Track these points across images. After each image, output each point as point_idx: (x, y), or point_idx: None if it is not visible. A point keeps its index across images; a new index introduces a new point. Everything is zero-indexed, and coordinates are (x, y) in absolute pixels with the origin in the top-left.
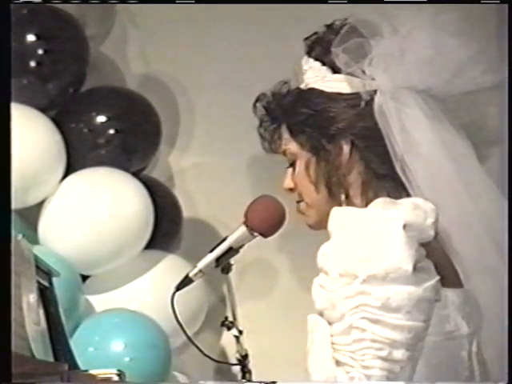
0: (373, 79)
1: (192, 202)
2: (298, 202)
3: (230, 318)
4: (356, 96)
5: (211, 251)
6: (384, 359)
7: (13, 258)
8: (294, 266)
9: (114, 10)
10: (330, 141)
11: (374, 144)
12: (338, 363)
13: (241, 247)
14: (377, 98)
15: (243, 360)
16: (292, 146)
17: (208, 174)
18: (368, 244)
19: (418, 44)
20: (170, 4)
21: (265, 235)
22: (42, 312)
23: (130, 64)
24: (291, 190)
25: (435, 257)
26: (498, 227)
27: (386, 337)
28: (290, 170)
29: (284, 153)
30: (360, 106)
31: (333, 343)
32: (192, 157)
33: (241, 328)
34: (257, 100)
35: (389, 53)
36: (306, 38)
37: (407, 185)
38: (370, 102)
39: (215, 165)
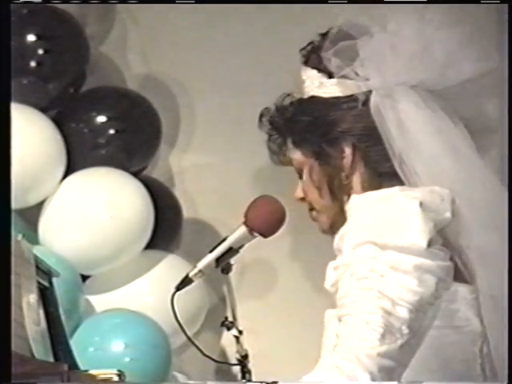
0: (367, 79)
1: (192, 202)
2: (310, 210)
3: (230, 318)
4: (352, 98)
5: (211, 251)
6: (386, 311)
7: (13, 258)
8: (293, 266)
9: (115, 9)
10: (331, 145)
11: (375, 143)
12: (339, 321)
13: (241, 247)
14: (372, 98)
15: (243, 360)
16: (297, 156)
17: (208, 174)
18: (384, 221)
19: (407, 40)
20: (170, 4)
21: (265, 235)
22: (41, 312)
23: (130, 64)
24: (303, 199)
25: (450, 250)
26: (497, 218)
27: (392, 292)
28: (300, 180)
29: (292, 164)
30: (357, 107)
31: (339, 307)
32: (192, 157)
33: (241, 328)
34: (261, 115)
35: (379, 52)
36: (302, 49)
37: (406, 182)
38: (366, 103)
39: (215, 165)
